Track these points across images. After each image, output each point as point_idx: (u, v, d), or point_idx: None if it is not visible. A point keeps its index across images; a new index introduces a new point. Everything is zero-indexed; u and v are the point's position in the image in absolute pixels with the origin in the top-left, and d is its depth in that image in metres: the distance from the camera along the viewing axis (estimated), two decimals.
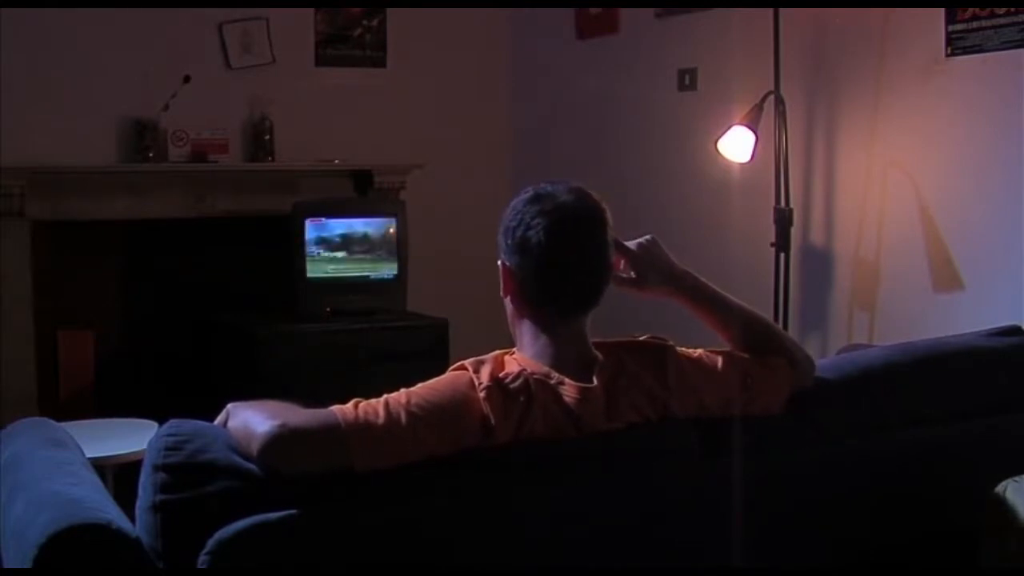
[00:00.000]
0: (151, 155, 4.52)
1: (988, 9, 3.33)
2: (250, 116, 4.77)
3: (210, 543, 1.44)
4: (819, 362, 2.07)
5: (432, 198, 4.87)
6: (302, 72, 4.89)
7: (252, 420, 1.57)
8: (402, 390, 1.66)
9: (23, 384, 4.26)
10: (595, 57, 4.89)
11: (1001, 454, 2.03)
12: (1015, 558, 1.76)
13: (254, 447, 1.53)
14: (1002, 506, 1.79)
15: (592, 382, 1.74)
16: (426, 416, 1.61)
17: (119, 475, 3.13)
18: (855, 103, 3.79)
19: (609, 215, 1.81)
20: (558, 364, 1.75)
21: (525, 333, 1.80)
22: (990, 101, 3.39)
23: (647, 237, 1.94)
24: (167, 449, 1.52)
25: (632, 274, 1.92)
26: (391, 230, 4.65)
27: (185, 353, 4.73)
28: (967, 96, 3.46)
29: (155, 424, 3.40)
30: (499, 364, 1.73)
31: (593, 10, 4.86)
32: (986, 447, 2.06)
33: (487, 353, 1.77)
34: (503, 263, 1.80)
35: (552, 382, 1.71)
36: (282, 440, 1.52)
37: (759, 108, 3.66)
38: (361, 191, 4.91)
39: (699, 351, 1.89)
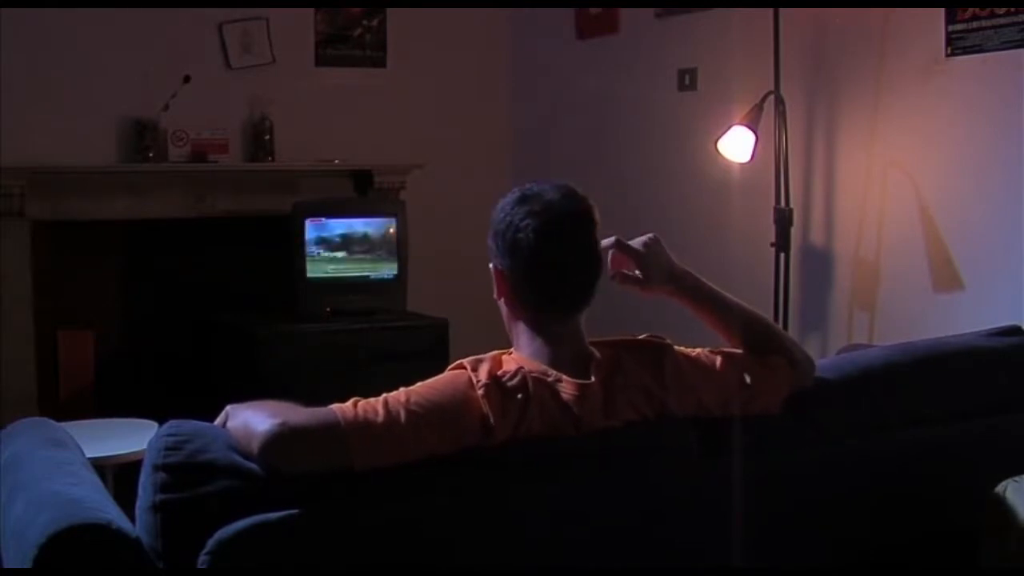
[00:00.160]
0: (151, 155, 4.52)
1: (988, 9, 3.33)
2: (250, 116, 4.77)
3: (210, 543, 1.44)
4: (819, 362, 2.07)
5: (432, 198, 4.87)
6: (302, 72, 4.89)
7: (252, 419, 1.57)
8: (401, 389, 1.66)
9: (23, 384, 4.26)
10: (595, 57, 4.89)
11: (1001, 454, 2.03)
12: (1015, 558, 1.76)
13: (254, 446, 1.53)
14: (1002, 506, 1.79)
15: (590, 379, 1.74)
16: (426, 415, 1.61)
17: (119, 475, 3.13)
18: (855, 103, 3.79)
19: (597, 212, 1.82)
20: (555, 362, 1.75)
21: (521, 334, 1.80)
22: (990, 101, 3.39)
23: (649, 236, 1.95)
24: (167, 449, 1.52)
25: (637, 273, 1.92)
26: (391, 230, 4.65)
27: (185, 353, 4.73)
28: (967, 96, 3.46)
29: (155, 424, 3.40)
30: (497, 363, 1.73)
31: (593, 10, 4.86)
32: (986, 447, 2.06)
33: (487, 353, 1.77)
34: (495, 266, 1.80)
35: (550, 380, 1.71)
36: (282, 438, 1.53)
37: (759, 108, 3.66)
38: (361, 191, 4.91)
39: (698, 350, 1.90)
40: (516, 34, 5.32)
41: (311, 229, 4.54)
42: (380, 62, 5.08)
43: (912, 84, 3.60)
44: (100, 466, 2.72)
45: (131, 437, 3.30)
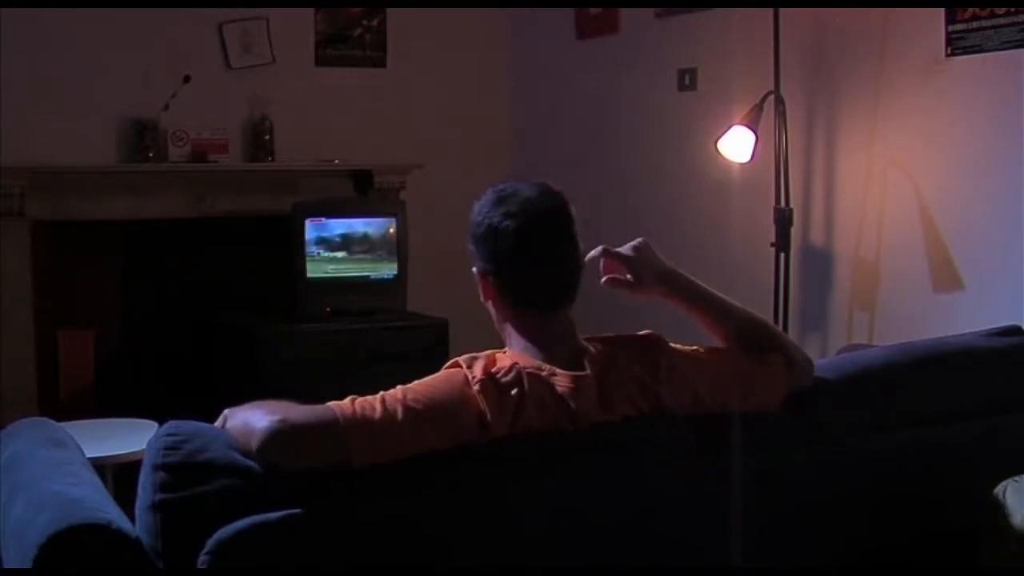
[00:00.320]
0: (151, 155, 4.52)
1: (988, 9, 3.33)
2: (250, 116, 4.77)
3: (210, 543, 1.44)
4: (819, 362, 2.07)
5: (432, 198, 4.87)
6: (302, 72, 4.89)
7: (251, 418, 1.58)
8: (398, 387, 1.66)
9: (23, 384, 4.26)
10: (595, 57, 4.89)
11: (1001, 454, 2.03)
12: (1015, 558, 1.76)
13: (254, 443, 1.53)
14: (1002, 506, 1.79)
15: (585, 371, 1.75)
16: (424, 412, 1.62)
17: (119, 475, 3.13)
18: (855, 103, 3.79)
19: (573, 208, 1.82)
20: (548, 358, 1.76)
21: (512, 333, 1.82)
22: (990, 101, 3.39)
23: (639, 240, 1.95)
24: (166, 449, 1.52)
25: (628, 277, 1.92)
26: (391, 230, 4.65)
27: (185, 353, 4.73)
28: (967, 96, 3.46)
29: (155, 424, 3.40)
30: (491, 360, 1.74)
31: (593, 10, 4.86)
32: (986, 447, 2.06)
33: (482, 352, 1.78)
34: (478, 270, 1.82)
35: (544, 374, 1.72)
36: (281, 435, 1.53)
37: (759, 108, 3.66)
38: (361, 191, 4.91)
39: (694, 347, 1.90)
40: (516, 34, 5.32)
41: (311, 229, 4.54)
42: (380, 62, 5.08)
43: (912, 84, 3.60)
44: (100, 466, 2.72)
45: (131, 437, 3.30)
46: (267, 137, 4.75)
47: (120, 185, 4.52)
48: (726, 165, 3.88)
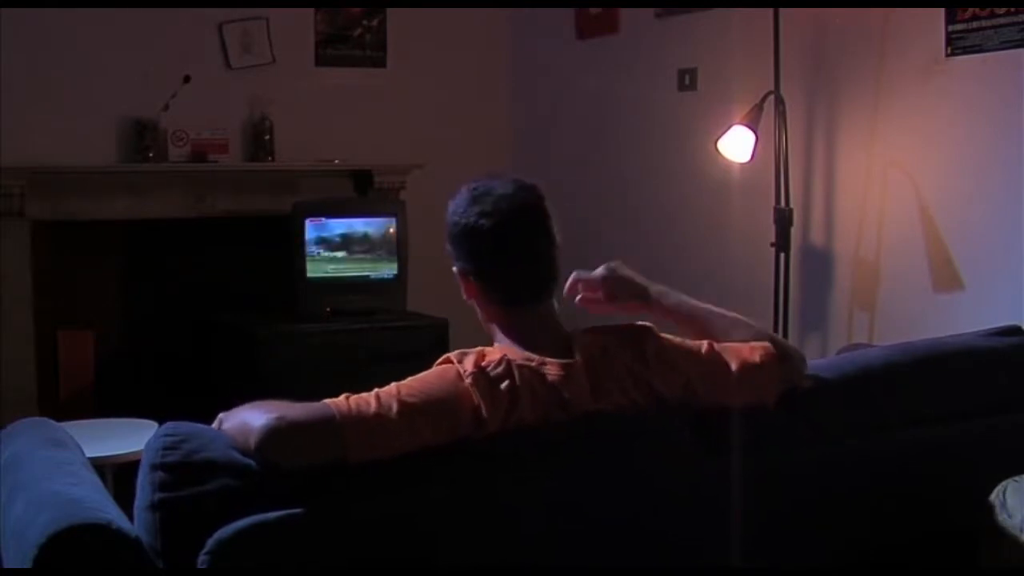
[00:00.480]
0: (151, 155, 4.52)
1: (988, 9, 3.33)
2: (250, 116, 4.77)
3: (210, 543, 1.44)
4: (819, 362, 2.07)
5: (432, 198, 4.82)
6: (302, 72, 4.89)
7: (248, 417, 1.58)
8: (392, 384, 1.67)
9: (23, 384, 4.26)
10: (595, 57, 4.89)
11: (1001, 454, 2.03)
12: (1015, 558, 1.76)
13: (252, 441, 1.54)
14: (1002, 506, 1.79)
15: (574, 359, 1.76)
16: (419, 407, 1.63)
17: (119, 475, 3.13)
18: (855, 103, 3.79)
19: (547, 201, 1.84)
20: (538, 349, 1.77)
21: (499, 330, 1.84)
22: (990, 101, 3.39)
23: (612, 263, 1.96)
24: (164, 449, 1.53)
25: (601, 295, 1.94)
26: (391, 230, 4.65)
27: (185, 353, 4.73)
28: (967, 96, 3.46)
29: (155, 424, 3.40)
30: (481, 355, 1.74)
31: (593, 10, 4.86)
32: (986, 447, 2.06)
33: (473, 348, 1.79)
34: (458, 269, 1.84)
35: (534, 364, 1.73)
36: (279, 433, 1.54)
37: (759, 108, 3.66)
38: (361, 191, 4.91)
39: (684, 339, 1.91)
40: (516, 34, 5.31)
41: (311, 229, 4.54)
42: (380, 62, 5.08)
43: (912, 84, 3.60)
44: (100, 466, 2.71)
45: (131, 437, 3.29)
46: (267, 137, 4.75)
47: (120, 185, 4.52)
48: (726, 165, 3.88)
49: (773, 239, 3.72)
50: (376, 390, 1.65)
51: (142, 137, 4.51)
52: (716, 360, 1.86)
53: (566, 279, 1.92)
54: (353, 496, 1.55)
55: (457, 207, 1.82)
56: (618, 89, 4.74)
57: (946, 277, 3.54)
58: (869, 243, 3.78)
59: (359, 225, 4.65)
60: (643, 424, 1.79)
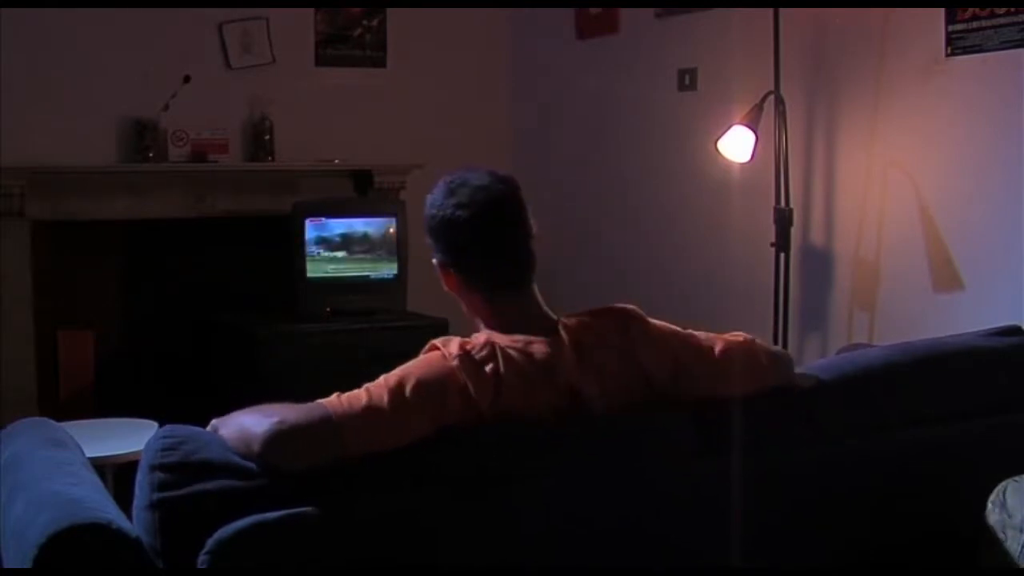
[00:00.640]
0: (151, 155, 4.52)
1: (988, 9, 3.33)
2: (250, 116, 4.77)
3: (210, 542, 1.44)
4: (819, 362, 2.07)
5: None
6: (302, 72, 4.89)
7: (247, 423, 1.59)
8: (381, 377, 1.69)
9: (23, 384, 4.26)
10: (595, 57, 4.89)
11: (1001, 454, 2.03)
12: (1015, 558, 1.76)
13: (255, 447, 1.54)
14: (1002, 506, 1.79)
15: (560, 335, 1.78)
16: (409, 393, 1.64)
17: (119, 475, 3.13)
18: (855, 103, 3.79)
19: (521, 192, 1.87)
20: (522, 331, 1.79)
21: (483, 320, 1.86)
22: (990, 101, 3.39)
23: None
24: (163, 450, 1.53)
25: None
26: (391, 230, 4.65)
27: (185, 353, 4.72)
28: (967, 96, 3.46)
29: (155, 424, 3.41)
30: (466, 340, 1.77)
31: (593, 10, 4.86)
32: (986, 447, 2.06)
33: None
34: (439, 261, 1.87)
35: (519, 345, 1.76)
36: (281, 436, 1.55)
37: (759, 108, 3.66)
38: (361, 191, 4.91)
39: None
40: (516, 34, 5.31)
41: (311, 229, 4.54)
42: (380, 62, 5.08)
43: (912, 84, 3.60)
44: (100, 466, 2.71)
45: (131, 437, 3.29)
46: (267, 137, 4.75)
47: (120, 185, 4.52)
48: (726, 165, 3.88)
49: (773, 239, 3.72)
50: (366, 385, 1.67)
51: (142, 137, 4.51)
52: (702, 343, 1.88)
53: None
54: (353, 496, 1.55)
55: (434, 200, 1.86)
56: (618, 89, 4.74)
57: (946, 277, 3.54)
58: (869, 243, 3.78)
59: (359, 225, 4.65)
60: (643, 424, 1.79)
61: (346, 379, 1.74)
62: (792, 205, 3.73)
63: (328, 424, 1.58)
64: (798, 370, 1.98)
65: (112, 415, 3.84)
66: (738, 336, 1.92)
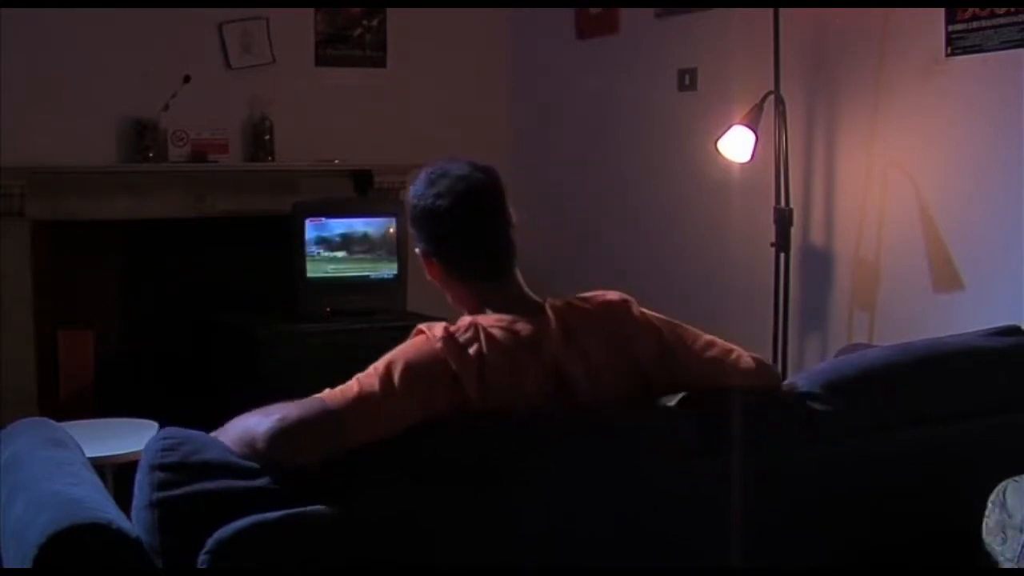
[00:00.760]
0: (151, 155, 4.52)
1: (988, 9, 3.33)
2: (250, 116, 4.77)
3: (210, 542, 1.44)
4: (819, 366, 2.07)
5: None
6: (302, 72, 4.89)
7: (248, 424, 1.60)
8: (370, 366, 1.72)
9: (23, 384, 4.26)
10: (595, 57, 4.89)
11: (1001, 454, 2.03)
12: (1014, 559, 1.76)
13: (260, 445, 1.56)
14: (1002, 506, 1.79)
15: (546, 314, 1.81)
16: (399, 379, 1.67)
17: (119, 475, 3.13)
18: (855, 103, 3.79)
19: (502, 182, 1.91)
20: (507, 313, 1.82)
21: (466, 307, 1.89)
22: (990, 101, 3.39)
23: None
24: (163, 450, 1.54)
25: None
26: (391, 230, 4.65)
27: (185, 353, 4.72)
28: (967, 96, 3.46)
29: (155, 424, 3.41)
30: (451, 324, 1.80)
31: (593, 10, 4.86)
32: (986, 447, 2.06)
33: None
34: (421, 251, 1.91)
35: (504, 323, 1.79)
36: (285, 432, 1.56)
37: (759, 108, 3.66)
38: (361, 191, 4.91)
39: None
40: (516, 34, 5.31)
41: (311, 229, 4.54)
42: (380, 62, 5.08)
43: (912, 84, 3.60)
44: (100, 466, 2.71)
45: (131, 437, 3.30)
46: (267, 137, 4.75)
47: (120, 185, 4.52)
48: (726, 165, 3.88)
49: (773, 239, 3.71)
50: (356, 376, 1.70)
51: (142, 137, 4.51)
52: (687, 330, 1.92)
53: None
54: (353, 495, 1.55)
55: (416, 190, 1.90)
56: (618, 89, 4.74)
57: (946, 277, 3.54)
58: (869, 243, 3.78)
59: (359, 225, 4.65)
60: (643, 422, 1.79)
61: (346, 379, 1.75)
62: (792, 205, 3.73)
63: (328, 416, 1.60)
64: (794, 375, 2.00)
65: (112, 415, 3.84)
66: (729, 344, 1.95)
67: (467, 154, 5.45)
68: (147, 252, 4.74)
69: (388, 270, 4.64)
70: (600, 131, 4.88)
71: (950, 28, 3.44)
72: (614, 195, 4.77)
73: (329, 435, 1.59)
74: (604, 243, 4.81)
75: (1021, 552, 1.77)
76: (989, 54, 3.35)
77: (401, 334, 1.71)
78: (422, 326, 1.79)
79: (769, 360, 1.99)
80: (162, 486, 1.49)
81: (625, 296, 1.91)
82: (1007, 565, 1.78)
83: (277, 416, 1.57)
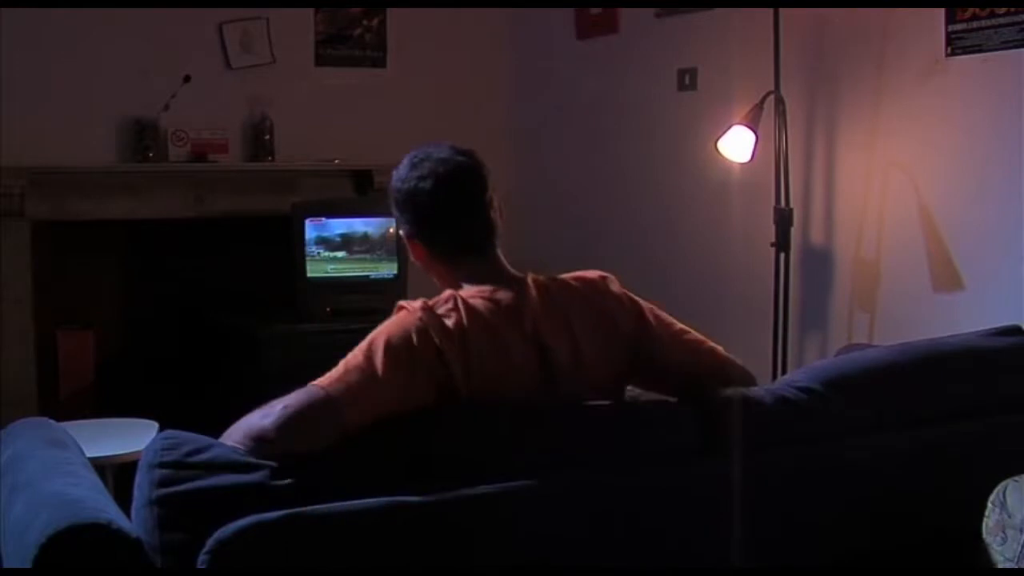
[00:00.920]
0: (151, 155, 4.52)
1: (988, 9, 3.33)
2: (250, 116, 4.77)
3: (210, 542, 1.44)
4: (819, 362, 2.07)
5: None
6: (302, 72, 4.89)
7: (252, 421, 1.62)
8: (355, 347, 1.75)
9: (23, 384, 4.25)
10: (595, 57, 4.89)
11: (1001, 454, 2.03)
12: (1014, 559, 1.76)
13: (271, 435, 1.58)
14: (1002, 506, 1.79)
15: (528, 285, 1.86)
16: (383, 355, 1.70)
17: (119, 475, 3.13)
18: (855, 103, 3.79)
19: (485, 166, 1.94)
20: (488, 284, 1.86)
21: (451, 287, 1.91)
22: (990, 101, 3.39)
23: None
24: (163, 449, 1.54)
25: None
26: (391, 230, 4.65)
27: (185, 353, 4.72)
28: (967, 96, 3.46)
29: (155, 424, 3.41)
30: (431, 299, 1.83)
31: (593, 10, 4.86)
32: (986, 447, 2.06)
33: None
34: (405, 233, 1.96)
35: (485, 294, 1.83)
36: (291, 420, 1.59)
37: (759, 108, 3.66)
38: (361, 191, 4.91)
39: None
40: (516, 34, 5.31)
41: (311, 229, 4.54)
42: (380, 62, 5.08)
43: (912, 84, 3.60)
44: (100, 466, 2.71)
45: (131, 437, 3.30)
46: (267, 137, 4.75)
47: (120, 185, 4.52)
48: (726, 165, 3.88)
49: (773, 239, 3.71)
50: (341, 361, 1.73)
51: (142, 137, 4.51)
52: (665, 314, 1.97)
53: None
54: (353, 495, 1.55)
55: (399, 174, 1.94)
56: (618, 89, 4.74)
57: (946, 277, 3.54)
58: (869, 243, 3.78)
59: (359, 225, 4.65)
60: (643, 421, 1.79)
61: None
62: (792, 205, 3.73)
63: (327, 401, 1.63)
64: (793, 371, 2.01)
65: (112, 415, 3.84)
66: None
67: None
68: (147, 252, 4.74)
69: (388, 270, 4.64)
70: (600, 131, 4.88)
71: (950, 28, 3.44)
72: (614, 195, 4.77)
73: (330, 420, 1.61)
74: (604, 243, 4.81)
75: (1021, 552, 1.77)
76: (989, 54, 3.35)
77: None
78: (403, 303, 1.82)
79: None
80: (162, 483, 1.50)
81: (604, 273, 1.97)
82: (1007, 565, 1.78)
83: (280, 407, 1.60)
